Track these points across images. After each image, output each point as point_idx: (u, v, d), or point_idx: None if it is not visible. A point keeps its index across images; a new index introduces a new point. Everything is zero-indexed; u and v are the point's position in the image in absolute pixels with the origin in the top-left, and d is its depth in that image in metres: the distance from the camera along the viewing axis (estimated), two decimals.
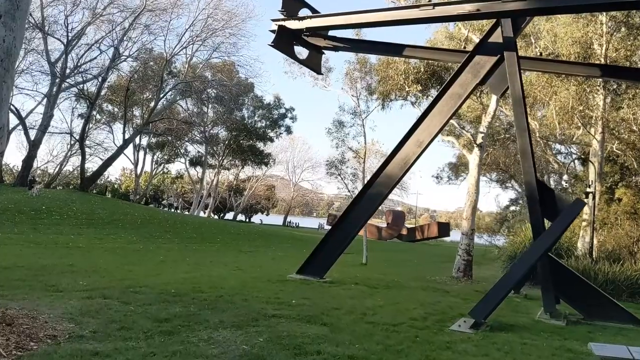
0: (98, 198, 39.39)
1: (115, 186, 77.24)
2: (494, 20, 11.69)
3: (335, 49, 14.50)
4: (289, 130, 62.67)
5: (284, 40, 13.41)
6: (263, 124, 61.12)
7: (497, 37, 11.47)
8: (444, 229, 56.65)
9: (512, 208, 51.90)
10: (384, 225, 60.42)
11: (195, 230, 30.41)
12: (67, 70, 39.00)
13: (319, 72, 15.02)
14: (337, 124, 23.23)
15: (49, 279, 10.30)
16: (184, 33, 43.53)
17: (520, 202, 52.47)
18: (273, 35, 13.23)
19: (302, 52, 14.72)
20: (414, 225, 69.70)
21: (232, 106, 53.67)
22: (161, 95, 44.80)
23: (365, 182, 23.06)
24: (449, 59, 14.15)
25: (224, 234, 31.30)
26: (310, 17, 12.98)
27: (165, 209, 69.66)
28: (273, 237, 35.02)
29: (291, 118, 62.02)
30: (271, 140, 62.02)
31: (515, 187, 45.04)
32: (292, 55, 13.83)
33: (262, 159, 62.46)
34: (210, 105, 55.11)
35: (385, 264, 23.03)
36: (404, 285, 14.27)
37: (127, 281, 10.74)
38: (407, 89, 18.23)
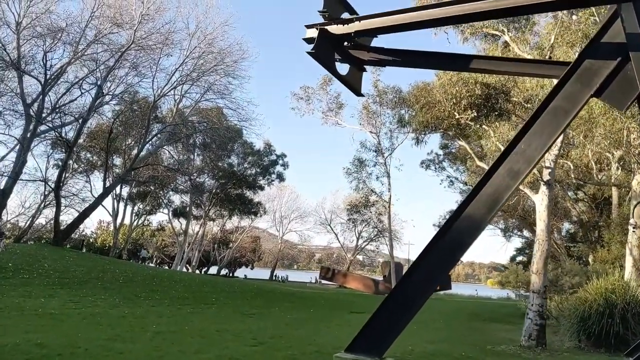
0: (73, 253, 35.45)
1: (91, 240, 72.84)
2: (609, 14, 8.89)
3: (380, 63, 11.55)
4: (280, 178, 59.72)
5: (324, 49, 10.44)
6: (253, 172, 58.07)
7: (614, 35, 8.59)
8: (445, 281, 53.31)
9: (519, 258, 49.03)
10: (381, 278, 57.02)
11: (185, 288, 26.71)
12: (44, 113, 35.66)
13: (358, 93, 12.01)
14: (358, 163, 20.16)
15: None
16: (174, 72, 40.81)
17: (527, 251, 49.74)
18: (307, 45, 10.30)
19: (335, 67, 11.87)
20: None
21: (221, 153, 50.69)
22: (147, 139, 41.59)
23: (390, 229, 20.38)
24: (537, 72, 11.16)
25: (217, 292, 27.63)
26: (360, 19, 10.07)
27: (141, 263, 65.26)
28: (270, 295, 31.38)
29: (282, 165, 59.24)
30: (261, 188, 58.89)
31: (526, 235, 42.23)
32: (332, 67, 10.82)
33: (250, 209, 59.07)
34: (197, 152, 52.11)
35: (414, 326, 19.67)
36: None
37: None
38: (457, 117, 15.40)
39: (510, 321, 25.35)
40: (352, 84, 11.85)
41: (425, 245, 10.12)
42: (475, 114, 15.06)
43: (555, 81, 14.25)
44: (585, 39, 13.05)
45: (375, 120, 19.20)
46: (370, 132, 19.61)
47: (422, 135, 18.36)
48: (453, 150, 37.87)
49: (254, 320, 18.27)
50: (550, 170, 14.82)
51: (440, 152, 39.73)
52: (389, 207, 19.51)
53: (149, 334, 12.50)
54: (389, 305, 10.25)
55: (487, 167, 18.18)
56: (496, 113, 15.32)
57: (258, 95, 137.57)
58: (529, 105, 15.30)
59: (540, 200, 14.85)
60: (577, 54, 10.27)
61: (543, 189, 14.75)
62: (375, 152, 19.42)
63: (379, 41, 11.99)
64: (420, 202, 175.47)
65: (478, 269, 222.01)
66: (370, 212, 20.91)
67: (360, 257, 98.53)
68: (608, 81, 8.93)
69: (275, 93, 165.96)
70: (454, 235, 9.73)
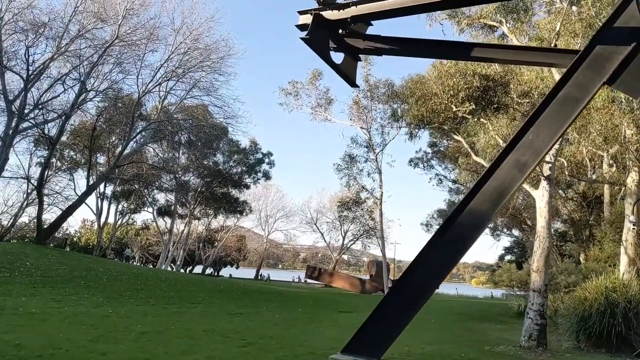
0: (56, 252, 34.64)
1: (75, 239, 71.75)
2: None
3: (377, 51, 11.09)
4: (267, 176, 59.08)
5: (319, 35, 10.00)
6: (238, 170, 57.39)
7: (628, 19, 8.28)
8: None
9: (508, 257, 48.93)
10: (367, 277, 56.70)
11: (171, 287, 26.15)
12: (26, 109, 34.80)
13: (353, 84, 11.58)
14: (348, 159, 19.61)
15: None
16: (159, 68, 40.03)
17: (516, 250, 49.71)
18: (300, 32, 9.88)
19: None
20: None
21: (206, 151, 50.03)
22: (132, 136, 40.78)
23: (382, 226, 19.98)
24: (542, 60, 10.58)
25: (204, 291, 27.10)
26: (356, 3, 9.66)
27: (126, 262, 64.24)
28: (257, 294, 30.89)
29: (269, 163, 58.65)
30: (247, 187, 58.22)
31: (515, 234, 42.09)
32: (326, 55, 10.41)
33: (236, 207, 58.40)
34: (182, 150, 51.39)
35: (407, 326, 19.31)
36: None
37: None
38: (454, 110, 14.98)
39: (502, 320, 25.13)
40: (347, 73, 11.44)
41: (426, 242, 9.72)
42: (474, 107, 14.67)
43: (555, 73, 13.99)
44: (589, 28, 12.83)
45: (366, 116, 18.71)
46: (361, 127, 19.12)
47: (416, 130, 17.93)
48: (442, 149, 37.69)
49: (241, 320, 17.83)
50: (550, 165, 14.52)
51: (429, 150, 39.57)
52: (380, 204, 18.90)
53: (133, 334, 12.01)
54: (387, 305, 9.79)
55: (484, 162, 17.83)
56: (494, 106, 14.98)
57: (244, 93, 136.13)
58: (526, 100, 15.00)
59: (540, 196, 14.51)
60: (580, 44, 10.03)
61: (543, 184, 14.42)
62: (367, 147, 18.84)
63: (375, 30, 11.58)
64: (407, 201, 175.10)
65: (462, 269, 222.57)
66: (362, 209, 20.00)
67: (345, 257, 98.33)
68: (621, 68, 8.54)
69: (261, 94, 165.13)
70: (456, 231, 9.29)
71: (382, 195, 19.29)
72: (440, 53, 11.75)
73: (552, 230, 39.38)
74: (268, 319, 18.96)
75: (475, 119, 15.76)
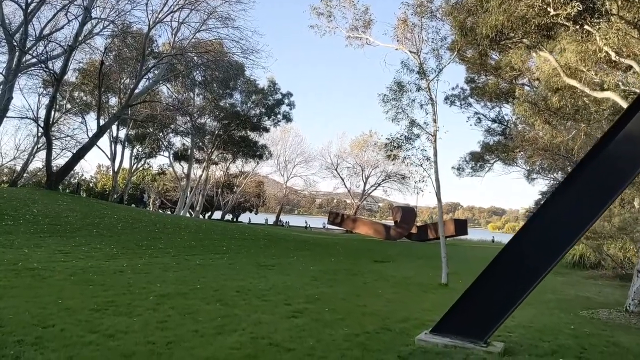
0: (67, 197, 32.54)
1: (91, 185, 70.24)
2: None
3: None
4: (287, 118, 55.93)
5: None
6: (257, 112, 54.33)
7: None
8: (462, 226, 50.63)
9: None
10: (392, 223, 54.44)
11: (192, 236, 23.91)
12: (28, 42, 31.89)
13: None
14: (397, 87, 16.54)
15: None
16: None
17: None
18: None
19: None
20: (425, 223, 63.95)
21: (222, 91, 46.95)
22: (143, 72, 37.73)
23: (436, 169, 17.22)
24: None
25: (227, 239, 24.86)
26: None
27: (143, 208, 62.44)
28: (283, 242, 28.68)
29: (288, 104, 55.39)
30: (266, 130, 55.30)
31: (558, 178, 38.92)
32: None
33: (255, 151, 55.76)
34: (197, 91, 48.37)
35: (460, 281, 16.85)
36: (625, 347, 8.12)
37: None
38: (551, 13, 11.78)
39: (558, 272, 22.78)
40: None
41: (556, 187, 6.98)
42: (580, 8, 11.34)
43: None
44: None
45: (416, 36, 15.73)
46: (410, 51, 16.09)
47: (491, 48, 14.81)
48: (480, 85, 34.42)
49: (275, 274, 15.46)
50: None
51: (466, 86, 36.26)
52: (435, 141, 15.99)
53: (152, 297, 9.63)
54: (491, 276, 7.13)
55: (577, 84, 14.79)
56: (602, 10, 11.74)
57: (262, 25, 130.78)
58: (628, 6, 11.76)
59: None
60: None
61: None
62: (418, 74, 15.77)
63: None
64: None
65: (478, 214, 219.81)
66: (414, 146, 17.24)
67: (364, 203, 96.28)
68: None
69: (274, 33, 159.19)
70: (605, 167, 6.50)
71: (436, 132, 16.33)
72: None
73: None
74: (304, 272, 16.60)
75: (578, 26, 12.45)
